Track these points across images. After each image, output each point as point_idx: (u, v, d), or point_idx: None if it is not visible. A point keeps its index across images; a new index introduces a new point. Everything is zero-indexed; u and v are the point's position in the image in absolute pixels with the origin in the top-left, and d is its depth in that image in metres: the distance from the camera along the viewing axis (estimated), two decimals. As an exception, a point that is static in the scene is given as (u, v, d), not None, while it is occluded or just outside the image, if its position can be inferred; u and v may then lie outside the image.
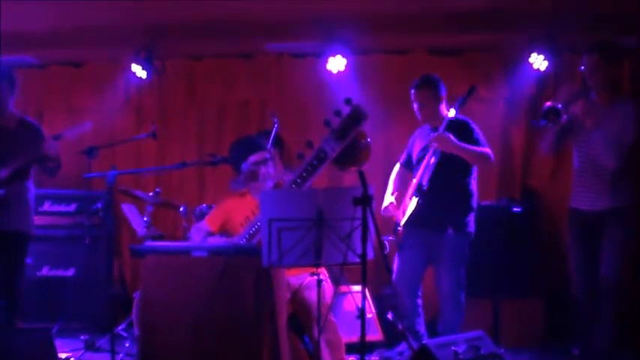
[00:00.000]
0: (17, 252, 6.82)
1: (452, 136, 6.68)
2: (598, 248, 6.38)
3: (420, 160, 7.02)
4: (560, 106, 6.27)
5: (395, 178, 7.41)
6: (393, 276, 7.07)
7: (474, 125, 6.97)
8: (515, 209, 8.12)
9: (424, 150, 6.99)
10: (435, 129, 6.91)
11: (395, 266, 7.10)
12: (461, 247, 6.93)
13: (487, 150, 6.86)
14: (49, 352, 5.57)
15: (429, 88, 7.04)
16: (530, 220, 8.17)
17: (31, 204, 6.94)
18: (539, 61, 8.34)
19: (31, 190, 6.96)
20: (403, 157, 7.43)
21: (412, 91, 7.10)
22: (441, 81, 7.09)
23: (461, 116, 6.96)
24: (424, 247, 7.00)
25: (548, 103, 6.33)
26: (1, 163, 6.63)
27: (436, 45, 9.01)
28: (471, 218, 6.99)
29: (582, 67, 6.45)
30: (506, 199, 8.34)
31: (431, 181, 6.85)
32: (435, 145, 6.74)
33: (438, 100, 7.02)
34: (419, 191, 6.88)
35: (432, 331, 7.13)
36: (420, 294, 7.10)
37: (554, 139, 6.58)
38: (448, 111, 6.96)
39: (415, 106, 7.10)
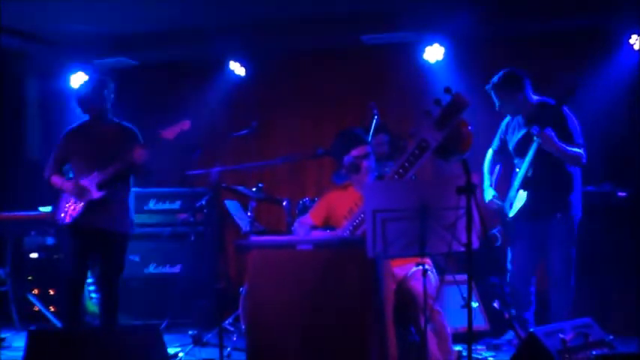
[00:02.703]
0: (115, 251, 6.96)
1: (554, 136, 6.63)
2: None
3: (519, 151, 6.98)
4: None
5: (488, 166, 7.38)
6: (508, 267, 7.07)
7: (569, 115, 6.90)
8: (620, 193, 7.98)
9: (525, 141, 6.93)
10: (526, 117, 6.88)
11: (509, 257, 7.08)
12: (569, 229, 6.94)
13: (580, 152, 6.81)
14: (159, 348, 5.65)
15: (504, 87, 6.97)
16: (637, 204, 8.01)
17: (130, 204, 7.07)
18: (639, 42, 8.21)
19: (130, 190, 7.09)
20: (496, 143, 7.39)
21: (491, 92, 7.05)
22: (518, 71, 7.00)
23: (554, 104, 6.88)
24: (535, 235, 7.00)
25: None
26: (101, 167, 6.78)
27: (533, 30, 8.92)
28: (576, 198, 6.97)
29: None
30: (610, 183, 8.20)
31: (536, 170, 6.83)
32: (538, 140, 6.69)
33: (521, 93, 6.94)
34: (526, 183, 6.85)
35: (540, 319, 7.09)
36: (533, 282, 7.08)
37: None
38: (536, 96, 6.92)
39: (499, 105, 7.05)
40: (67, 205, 6.85)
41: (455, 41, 8.89)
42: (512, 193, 7.05)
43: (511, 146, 7.16)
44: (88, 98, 6.98)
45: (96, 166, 6.79)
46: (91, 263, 7.04)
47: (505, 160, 7.28)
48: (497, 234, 7.13)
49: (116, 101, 7.10)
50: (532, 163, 6.83)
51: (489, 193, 7.20)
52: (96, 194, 6.75)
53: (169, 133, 6.86)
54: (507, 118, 7.29)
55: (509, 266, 7.12)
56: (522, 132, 6.99)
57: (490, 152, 7.43)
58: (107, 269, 6.95)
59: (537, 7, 8.27)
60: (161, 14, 8.54)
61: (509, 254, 7.13)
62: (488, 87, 7.06)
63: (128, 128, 7.07)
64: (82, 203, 6.77)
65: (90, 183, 6.77)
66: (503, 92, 6.98)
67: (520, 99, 6.95)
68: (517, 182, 6.98)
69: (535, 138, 6.72)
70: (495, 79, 7.02)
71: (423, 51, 8.95)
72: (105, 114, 7.01)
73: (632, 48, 8.29)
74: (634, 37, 8.22)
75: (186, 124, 6.96)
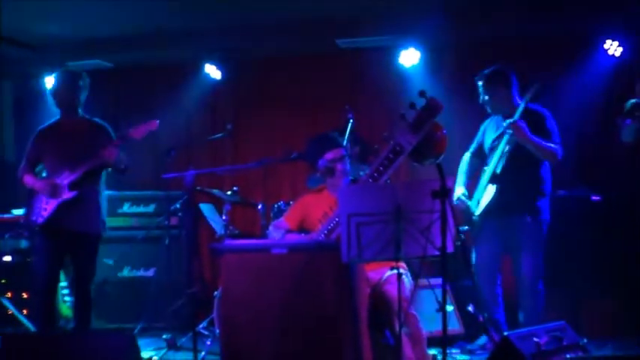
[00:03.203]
0: (87, 253, 6.91)
1: (526, 127, 6.66)
2: None
3: (493, 149, 7.01)
4: None
5: (465, 168, 7.40)
6: (473, 267, 7.07)
7: (547, 115, 6.95)
8: (594, 198, 8.01)
9: (498, 138, 6.98)
10: (506, 118, 6.90)
11: (473, 257, 7.09)
12: (538, 233, 6.96)
13: (555, 147, 6.84)
14: (133, 353, 5.62)
15: (491, 80, 7.03)
16: (610, 208, 8.04)
17: (102, 206, 7.02)
18: (613, 48, 8.25)
19: (102, 192, 7.05)
20: (473, 146, 7.42)
21: (479, 84, 7.10)
22: (507, 70, 7.06)
23: (534, 105, 6.93)
24: (501, 235, 7.02)
25: (632, 101, 6.16)
26: (73, 166, 6.74)
27: (510, 34, 8.95)
28: (545, 204, 7.00)
29: None
30: (584, 187, 8.22)
31: (505, 168, 6.85)
32: (509, 132, 6.72)
33: (507, 91, 7.00)
34: (494, 179, 6.87)
35: (513, 322, 7.10)
36: (499, 283, 7.11)
37: (635, 132, 6.45)
38: (520, 100, 6.95)
39: (483, 98, 7.10)
40: (39, 206, 6.79)
41: (430, 45, 8.91)
42: (479, 190, 7.07)
43: (486, 146, 7.18)
44: (60, 90, 6.95)
45: (68, 164, 6.74)
46: (63, 266, 7.01)
47: (481, 163, 7.28)
48: (461, 234, 7.15)
49: (91, 103, 7.07)
50: (502, 159, 6.85)
51: (459, 191, 7.20)
52: (67, 194, 6.70)
53: (137, 132, 6.84)
54: (485, 123, 7.32)
55: (474, 264, 7.13)
56: (499, 131, 7.01)
57: (467, 155, 7.45)
58: (79, 271, 6.90)
59: (513, 12, 8.30)
60: (136, 17, 8.50)
61: (474, 252, 7.14)
62: (477, 77, 7.11)
63: (100, 125, 7.02)
64: (54, 203, 6.73)
65: (61, 182, 6.73)
66: (489, 85, 7.04)
67: (504, 96, 7.00)
68: (485, 178, 7.00)
69: (507, 131, 6.75)
70: (486, 70, 7.08)
71: (399, 55, 8.96)
72: (76, 109, 6.97)
73: (607, 53, 8.32)
74: (608, 42, 8.26)
75: (153, 124, 6.95)
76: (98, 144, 6.77)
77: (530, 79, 7.01)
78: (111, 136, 6.95)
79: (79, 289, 6.90)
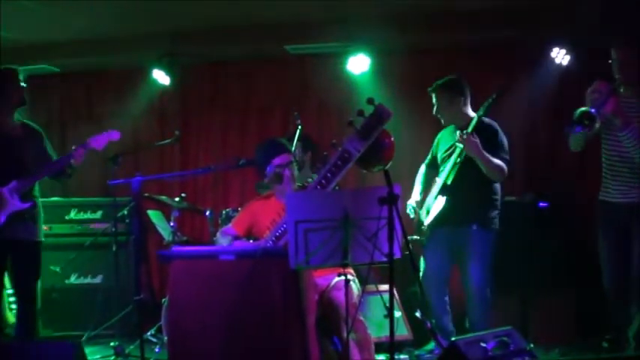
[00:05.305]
0: (26, 260, 6.78)
1: (478, 142, 6.67)
2: (628, 240, 6.36)
3: (445, 160, 7.03)
4: (593, 110, 6.14)
5: (421, 180, 7.41)
6: (421, 275, 7.07)
7: (498, 129, 6.96)
8: (541, 204, 8.06)
9: (450, 149, 6.99)
10: (460, 129, 6.90)
11: (422, 265, 7.11)
12: (486, 243, 6.96)
13: (503, 166, 6.84)
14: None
15: (446, 90, 7.05)
16: (557, 215, 8.11)
17: (40, 212, 6.92)
18: (560, 56, 8.30)
19: (39, 197, 6.94)
20: (429, 158, 7.44)
21: (431, 95, 7.12)
22: (462, 81, 7.09)
23: (486, 118, 6.94)
24: (450, 244, 7.03)
25: (582, 109, 6.20)
26: (19, 174, 6.61)
27: (459, 43, 8.98)
28: (495, 214, 7.01)
29: (612, 61, 6.39)
30: (531, 194, 8.27)
31: (455, 179, 6.85)
32: (461, 145, 6.73)
33: (459, 101, 7.02)
34: (444, 190, 6.88)
35: (460, 329, 7.12)
36: (447, 291, 7.12)
37: (583, 139, 6.50)
38: (474, 111, 6.96)
39: (437, 109, 7.11)
40: None
41: (379, 52, 8.91)
42: (430, 200, 7.09)
43: (439, 157, 7.20)
44: None
45: (12, 173, 6.60)
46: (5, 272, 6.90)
47: (436, 174, 7.29)
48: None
49: (38, 108, 6.98)
50: (453, 170, 6.86)
51: (412, 200, 7.23)
52: (21, 205, 6.59)
53: (97, 142, 6.75)
54: (440, 134, 7.33)
55: (422, 272, 7.13)
56: (451, 142, 7.02)
57: (423, 167, 7.48)
58: (19, 278, 6.81)
59: (463, 20, 8.34)
60: (83, 22, 8.45)
61: (423, 261, 7.16)
62: (430, 89, 7.12)
63: (35, 130, 6.90)
64: (4, 214, 6.60)
65: (9, 192, 6.61)
66: (443, 95, 7.06)
67: (457, 106, 7.01)
68: (436, 189, 7.02)
69: (457, 144, 6.77)
70: (440, 81, 7.11)
71: (348, 62, 8.95)
72: (13, 112, 6.80)
73: (554, 61, 8.37)
74: (556, 50, 8.31)
75: (115, 135, 6.87)
76: (37, 150, 6.68)
77: (483, 90, 7.02)
78: (45, 140, 6.85)
79: (20, 296, 6.80)
